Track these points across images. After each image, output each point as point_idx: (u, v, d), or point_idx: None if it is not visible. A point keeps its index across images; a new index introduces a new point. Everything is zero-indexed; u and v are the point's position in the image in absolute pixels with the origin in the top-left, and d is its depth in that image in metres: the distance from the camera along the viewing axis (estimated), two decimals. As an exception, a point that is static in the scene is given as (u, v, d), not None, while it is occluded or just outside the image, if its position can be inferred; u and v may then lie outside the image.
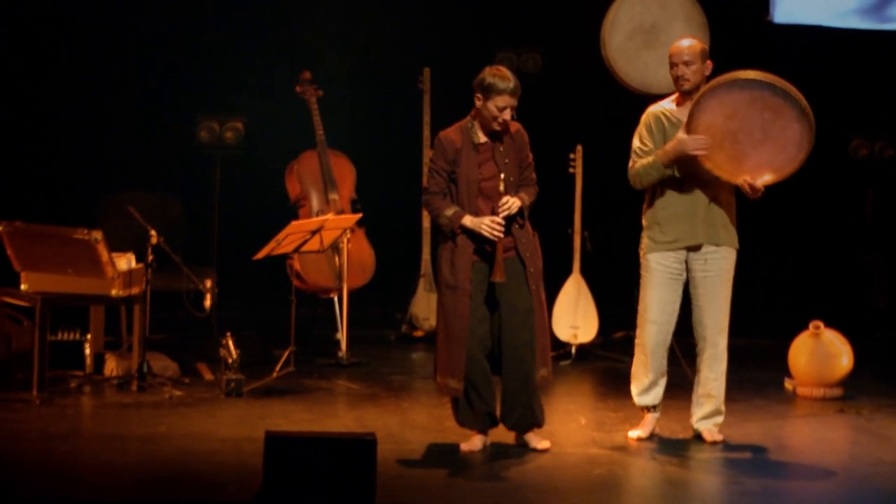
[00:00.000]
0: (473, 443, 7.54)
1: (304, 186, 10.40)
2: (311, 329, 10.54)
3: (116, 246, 8.87)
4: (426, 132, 10.86)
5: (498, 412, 7.56)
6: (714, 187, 7.67)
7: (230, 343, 8.76)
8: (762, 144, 7.53)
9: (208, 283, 9.21)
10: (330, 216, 9.49)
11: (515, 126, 7.51)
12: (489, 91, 7.35)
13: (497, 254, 7.35)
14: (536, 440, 7.58)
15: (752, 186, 7.53)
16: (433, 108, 10.89)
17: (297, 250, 9.06)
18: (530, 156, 7.57)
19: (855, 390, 9.20)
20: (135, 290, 8.80)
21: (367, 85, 11.74)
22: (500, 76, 7.38)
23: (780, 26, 11.88)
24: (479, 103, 7.41)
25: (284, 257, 9.47)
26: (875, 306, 11.68)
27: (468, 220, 7.37)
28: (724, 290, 7.78)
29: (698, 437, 7.87)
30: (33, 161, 11.26)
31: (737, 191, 7.71)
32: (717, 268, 7.75)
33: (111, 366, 9.09)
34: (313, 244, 9.06)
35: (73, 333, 9.34)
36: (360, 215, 9.67)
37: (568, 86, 11.42)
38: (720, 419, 7.90)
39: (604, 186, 10.38)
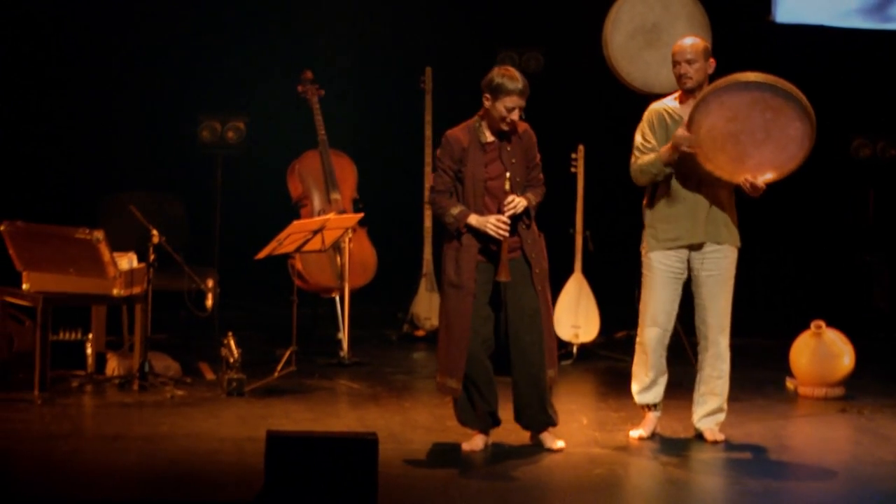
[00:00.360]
0: (475, 442, 7.54)
1: (306, 186, 10.40)
2: (313, 329, 10.54)
3: (118, 245, 8.87)
4: (428, 132, 10.86)
5: (500, 412, 7.56)
6: (715, 186, 7.67)
7: (232, 343, 8.76)
8: (764, 144, 7.53)
9: (210, 283, 9.21)
10: (331, 216, 9.49)
11: (523, 126, 7.51)
12: (498, 91, 7.35)
13: (502, 253, 7.35)
14: (551, 440, 7.58)
15: (752, 185, 7.53)
16: (435, 108, 10.89)
17: (298, 250, 9.07)
18: (538, 156, 7.58)
19: (856, 390, 9.20)
20: (136, 290, 8.80)
21: (369, 84, 11.74)
22: (510, 77, 7.38)
23: (781, 26, 11.88)
24: (487, 103, 7.41)
25: (286, 257, 9.47)
26: (876, 306, 11.68)
27: (474, 219, 7.37)
28: (726, 289, 7.78)
29: (699, 436, 7.87)
30: (35, 161, 11.26)
31: (736, 190, 7.71)
32: (719, 267, 7.75)
33: (113, 365, 9.09)
34: (315, 244, 9.06)
35: (75, 333, 9.34)
36: (361, 215, 9.67)
37: (570, 85, 11.42)
38: (721, 417, 7.89)
39: (605, 186, 10.39)
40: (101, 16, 11.27)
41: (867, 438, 8.18)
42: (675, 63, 7.69)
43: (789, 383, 9.37)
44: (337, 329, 10.03)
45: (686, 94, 7.71)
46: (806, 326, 9.28)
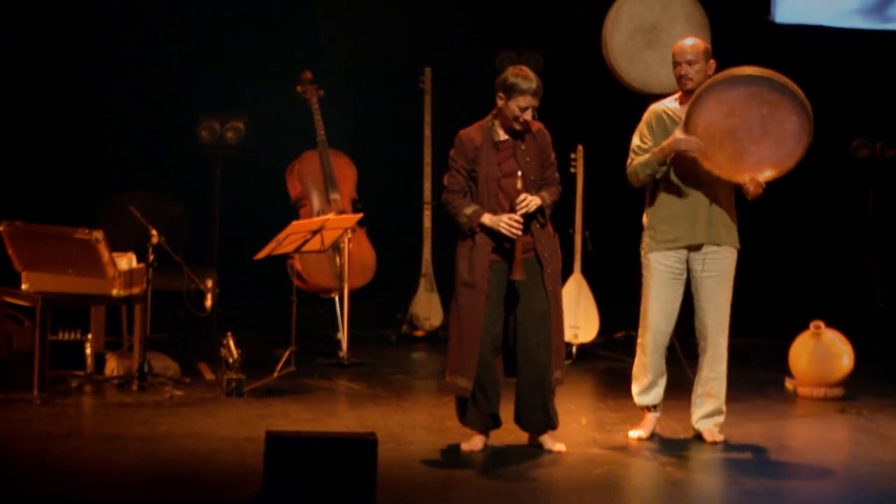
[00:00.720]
0: (474, 443, 7.54)
1: (305, 186, 10.40)
2: (312, 329, 10.54)
3: (117, 246, 8.87)
4: (427, 132, 10.87)
5: (502, 414, 7.55)
6: (715, 187, 7.67)
7: (231, 343, 8.76)
8: (761, 140, 7.52)
9: (209, 283, 9.21)
10: (331, 216, 9.49)
11: (537, 125, 7.51)
12: (511, 91, 7.35)
13: (516, 251, 7.35)
14: (551, 442, 7.58)
15: (753, 183, 7.52)
16: (434, 108, 10.90)
17: (297, 250, 9.07)
18: (553, 155, 7.59)
19: (856, 390, 9.20)
20: (136, 290, 8.80)
21: (369, 85, 11.74)
22: (523, 76, 7.37)
23: (781, 26, 11.88)
24: (500, 102, 7.40)
25: (285, 257, 9.47)
26: (876, 306, 11.68)
27: (487, 219, 7.37)
28: (725, 290, 7.78)
29: (699, 437, 7.87)
30: (34, 161, 11.26)
31: (737, 191, 7.71)
32: (718, 267, 7.75)
33: (112, 365, 9.08)
34: (314, 244, 9.06)
35: (74, 333, 9.34)
36: (360, 215, 9.67)
37: (569, 86, 11.40)
38: (721, 419, 7.89)
39: (605, 186, 10.38)
40: (100, 16, 11.27)
41: (866, 438, 8.18)
42: (676, 64, 7.68)
43: (788, 384, 9.37)
44: (336, 329, 10.02)
45: (686, 95, 7.70)
46: (805, 327, 9.28)
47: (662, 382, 7.88)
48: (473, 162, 7.41)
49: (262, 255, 8.79)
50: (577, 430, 8.04)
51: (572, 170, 10.30)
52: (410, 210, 11.01)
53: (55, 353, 8.84)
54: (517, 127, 7.39)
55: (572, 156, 10.33)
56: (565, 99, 11.56)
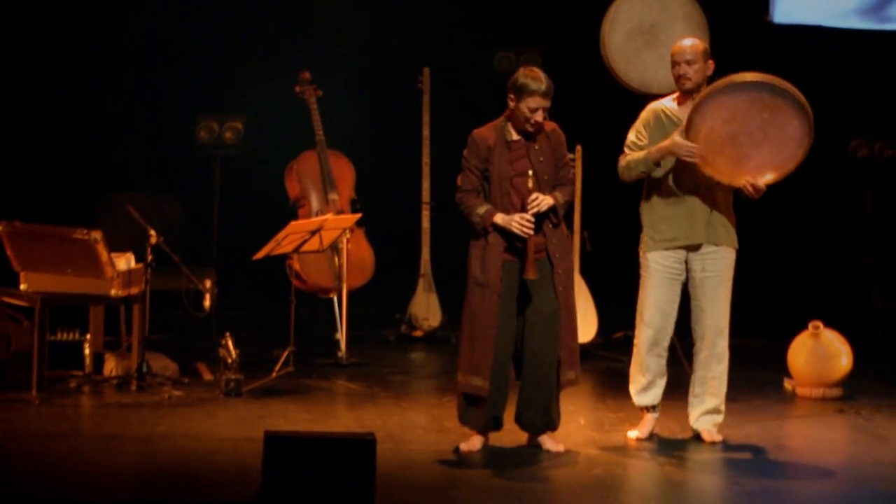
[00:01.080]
0: (473, 443, 7.54)
1: (304, 186, 10.40)
2: (311, 329, 10.54)
3: (116, 246, 8.87)
4: (426, 132, 10.87)
5: (505, 416, 7.55)
6: (713, 187, 7.67)
7: (229, 343, 8.76)
8: (762, 144, 7.53)
9: (208, 283, 9.21)
10: (329, 216, 9.49)
11: (551, 126, 7.53)
12: (521, 92, 7.36)
13: (528, 251, 7.35)
14: (551, 443, 7.58)
15: (754, 186, 7.53)
16: (433, 108, 10.89)
17: (296, 250, 9.07)
18: (567, 155, 7.59)
19: (854, 390, 9.20)
20: (134, 290, 8.80)
21: (367, 85, 11.74)
22: (533, 77, 7.38)
23: (779, 26, 11.88)
24: (511, 103, 7.41)
25: (284, 257, 9.46)
26: (875, 306, 11.68)
27: (499, 218, 7.37)
28: (724, 291, 7.78)
29: (697, 437, 7.87)
30: (33, 161, 11.26)
31: (735, 192, 7.71)
32: (717, 268, 7.75)
33: (110, 366, 9.08)
34: (313, 244, 9.06)
35: (73, 333, 9.34)
36: (359, 215, 9.67)
37: (567, 86, 11.36)
38: (719, 419, 7.89)
39: (603, 186, 10.36)
40: (100, 15, 11.27)
41: (865, 439, 8.18)
42: (675, 64, 7.69)
43: (787, 384, 9.37)
44: (335, 329, 10.02)
45: (684, 96, 7.71)
46: (804, 327, 9.28)
47: (661, 383, 7.88)
48: (486, 161, 7.42)
49: (260, 255, 8.79)
50: (576, 431, 8.04)
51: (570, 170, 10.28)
52: (409, 210, 11.01)
53: (54, 354, 8.84)
54: (528, 128, 7.40)
55: (570, 156, 10.28)
56: (564, 99, 11.57)
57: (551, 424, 7.56)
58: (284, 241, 8.82)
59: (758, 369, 9.82)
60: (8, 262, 8.75)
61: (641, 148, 7.68)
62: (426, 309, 10.81)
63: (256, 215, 10.62)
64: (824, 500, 6.96)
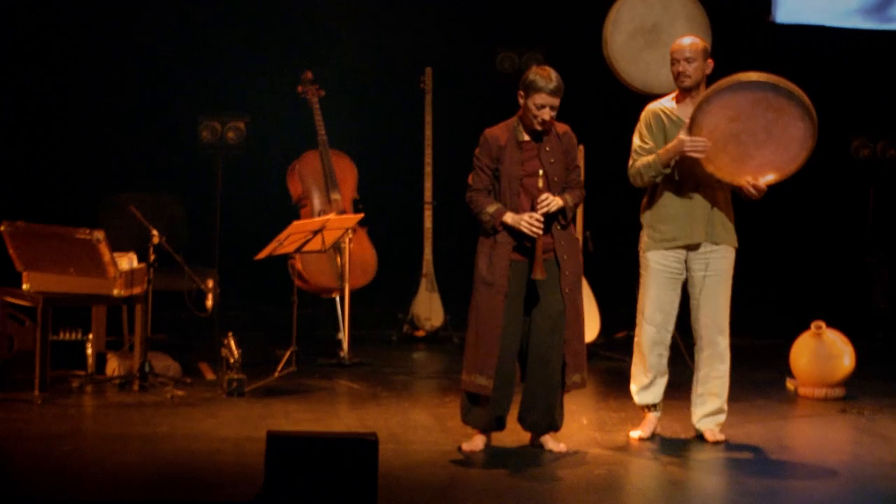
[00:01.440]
0: (475, 443, 7.54)
1: (306, 186, 10.40)
2: (313, 329, 10.55)
3: (118, 246, 8.87)
4: (428, 132, 10.87)
5: (508, 416, 7.55)
6: (713, 186, 7.67)
7: (232, 343, 8.77)
8: (765, 144, 7.53)
9: (210, 283, 9.21)
10: (332, 216, 9.49)
11: (563, 127, 7.53)
12: (529, 88, 7.38)
13: (536, 251, 7.35)
14: (553, 442, 7.58)
15: (755, 186, 7.53)
16: (435, 108, 10.90)
17: (298, 250, 9.07)
18: (578, 158, 7.59)
19: (857, 390, 9.20)
20: (136, 290, 8.81)
21: (369, 85, 11.75)
22: (542, 75, 7.40)
23: (781, 26, 11.88)
24: (521, 101, 7.42)
25: (286, 257, 9.47)
26: (877, 306, 11.68)
27: (509, 217, 7.37)
28: (724, 290, 7.78)
29: (700, 436, 7.87)
30: (35, 161, 11.26)
31: (734, 192, 7.71)
32: (717, 267, 7.75)
33: (113, 365, 9.09)
34: (315, 244, 9.06)
35: (75, 333, 9.34)
36: (361, 215, 9.67)
37: (569, 86, 11.37)
38: (722, 418, 7.89)
39: (605, 187, 10.38)
40: (102, 15, 11.27)
41: (867, 439, 8.18)
42: (674, 62, 7.69)
43: (789, 384, 9.37)
44: (337, 329, 10.03)
45: (683, 94, 7.71)
46: (806, 327, 9.28)
47: (662, 382, 7.88)
48: (497, 161, 7.43)
49: (263, 255, 8.79)
50: (578, 431, 8.04)
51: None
52: (411, 210, 11.01)
53: (56, 354, 8.84)
54: (537, 126, 7.40)
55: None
56: (566, 99, 11.56)
57: (554, 425, 7.56)
58: (287, 241, 8.83)
59: (760, 369, 9.82)
60: (10, 262, 8.76)
61: (649, 151, 7.68)
62: (428, 309, 10.81)
63: (259, 215, 10.62)
64: (827, 500, 6.96)
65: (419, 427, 8.07)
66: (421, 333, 10.84)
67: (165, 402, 8.50)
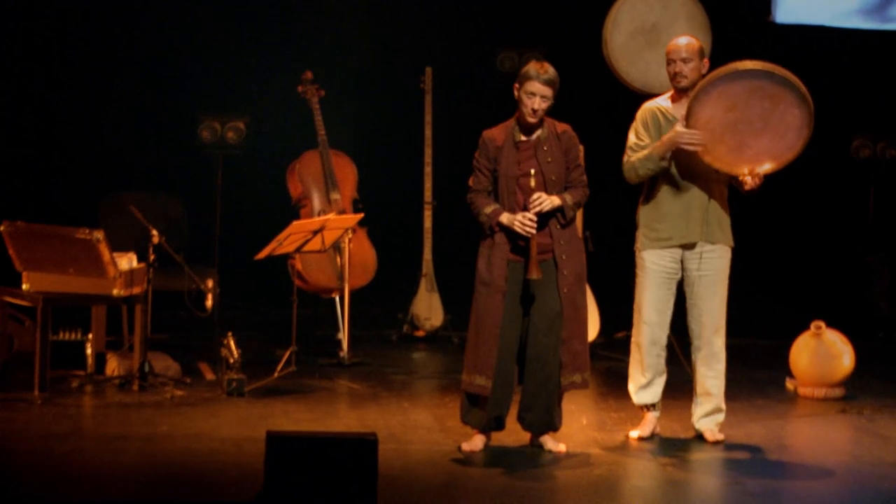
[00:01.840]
0: (474, 443, 7.54)
1: (306, 186, 10.40)
2: (313, 329, 10.54)
3: (118, 245, 8.87)
4: (428, 132, 10.86)
5: (508, 416, 7.55)
6: (709, 185, 7.68)
7: (232, 343, 8.77)
8: (762, 133, 7.53)
9: (210, 283, 9.21)
10: (331, 216, 9.49)
11: (563, 127, 7.54)
12: (522, 78, 7.41)
13: (531, 250, 7.34)
14: (552, 443, 7.58)
15: (752, 175, 7.51)
16: (435, 108, 10.89)
17: (298, 250, 9.07)
18: (580, 157, 7.59)
19: (856, 390, 9.20)
20: (136, 290, 8.81)
21: (369, 85, 11.74)
22: (536, 65, 7.43)
23: (782, 26, 11.87)
24: (516, 94, 7.43)
25: (286, 257, 9.47)
26: (877, 306, 11.68)
27: (505, 217, 7.38)
28: (720, 289, 7.78)
29: (699, 436, 7.87)
30: (35, 161, 11.26)
31: (731, 188, 7.71)
32: (713, 266, 7.75)
33: (113, 365, 9.09)
34: (315, 244, 9.06)
35: (75, 333, 9.34)
36: (361, 215, 9.67)
37: (569, 86, 11.38)
38: (721, 417, 7.89)
39: (605, 187, 10.36)
40: (101, 15, 11.27)
41: (867, 439, 8.18)
42: (670, 61, 7.69)
43: (789, 384, 9.37)
44: (337, 329, 10.03)
45: (679, 93, 7.71)
46: (806, 327, 9.28)
47: (660, 381, 7.88)
48: (495, 161, 7.43)
49: (262, 255, 8.79)
50: (578, 431, 8.04)
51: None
52: (411, 210, 11.01)
53: (56, 353, 8.84)
54: (529, 118, 7.39)
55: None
56: (566, 99, 11.57)
57: (552, 426, 7.56)
58: (286, 241, 8.83)
59: (760, 369, 9.82)
60: (10, 262, 8.76)
61: (644, 148, 7.68)
62: (428, 309, 10.81)
63: (258, 215, 10.62)
64: (826, 500, 6.96)
65: (419, 427, 8.07)
66: (421, 333, 10.84)
67: (165, 403, 8.50)
